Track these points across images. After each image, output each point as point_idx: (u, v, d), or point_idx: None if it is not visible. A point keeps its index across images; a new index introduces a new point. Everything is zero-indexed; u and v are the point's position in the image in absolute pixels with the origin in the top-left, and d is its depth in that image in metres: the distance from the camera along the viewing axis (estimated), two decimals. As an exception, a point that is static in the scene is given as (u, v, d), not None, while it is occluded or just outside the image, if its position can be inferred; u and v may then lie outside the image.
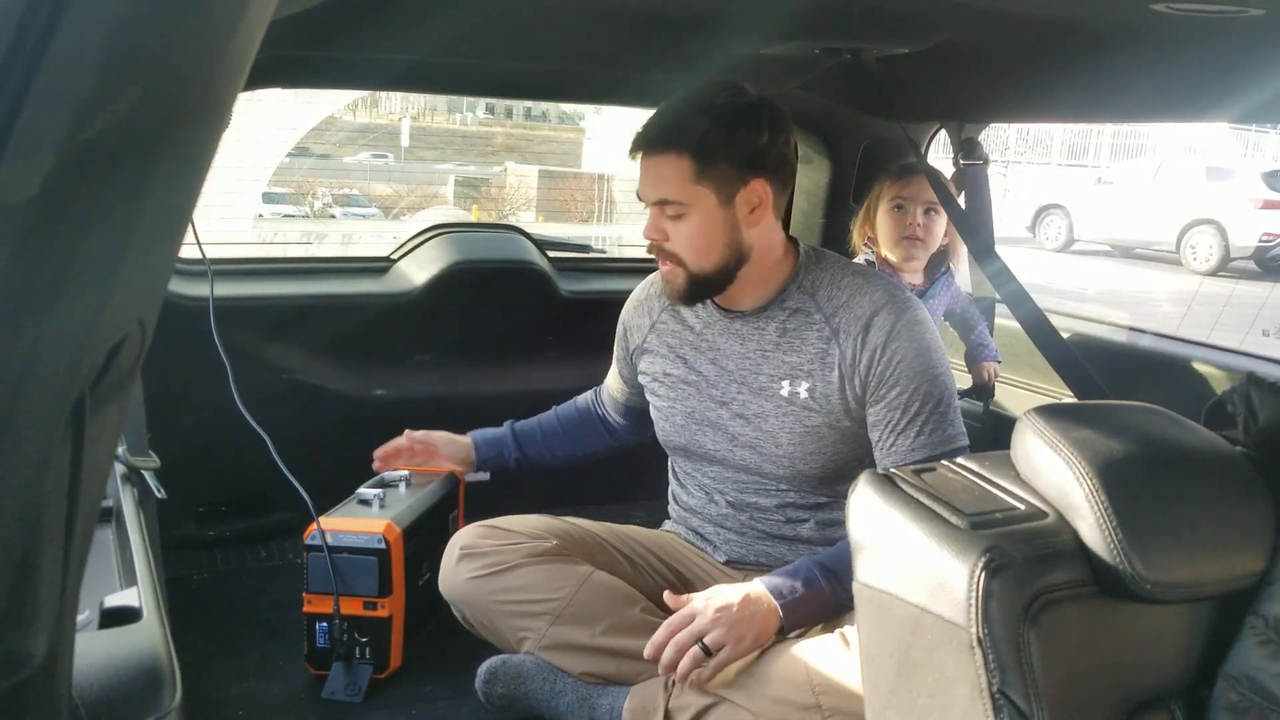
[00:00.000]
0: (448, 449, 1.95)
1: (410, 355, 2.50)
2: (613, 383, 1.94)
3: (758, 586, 1.49)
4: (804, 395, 1.58)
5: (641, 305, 1.81)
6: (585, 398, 2.01)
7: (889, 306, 1.55)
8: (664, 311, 1.75)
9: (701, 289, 1.59)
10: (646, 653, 1.45)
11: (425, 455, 1.95)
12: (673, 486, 1.83)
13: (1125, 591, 0.81)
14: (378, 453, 1.95)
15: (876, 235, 2.22)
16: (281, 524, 2.33)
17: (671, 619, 1.46)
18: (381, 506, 1.81)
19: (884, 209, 2.19)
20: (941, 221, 2.19)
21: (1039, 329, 2.19)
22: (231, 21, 0.48)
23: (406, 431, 1.95)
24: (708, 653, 1.42)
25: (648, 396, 1.78)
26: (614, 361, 1.92)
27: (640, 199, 1.59)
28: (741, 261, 1.57)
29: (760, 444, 1.62)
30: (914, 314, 1.57)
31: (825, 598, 1.49)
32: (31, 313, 0.45)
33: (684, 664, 1.42)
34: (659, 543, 1.78)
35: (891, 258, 2.19)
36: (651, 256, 1.63)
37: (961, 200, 2.33)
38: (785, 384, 1.59)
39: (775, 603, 1.47)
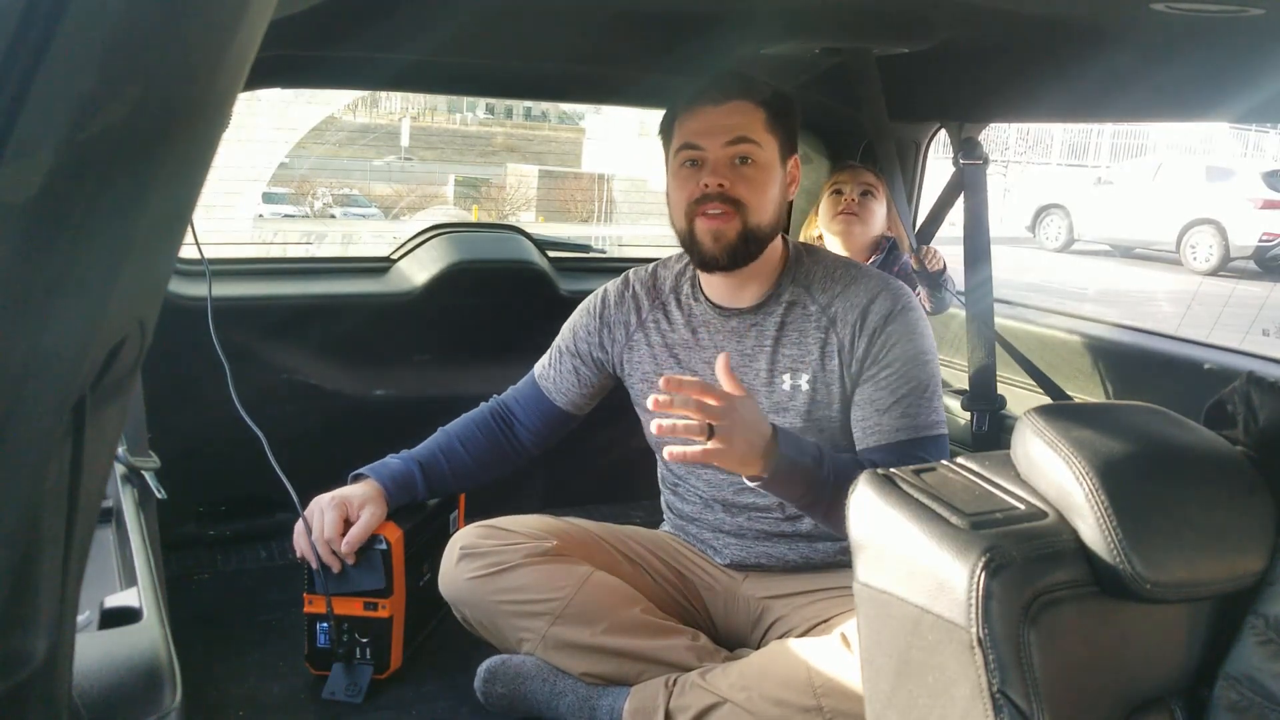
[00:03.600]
0: (360, 500, 1.70)
1: (410, 355, 2.50)
2: (557, 383, 1.81)
3: (776, 434, 1.41)
4: (805, 387, 1.59)
5: (626, 301, 1.75)
6: (483, 418, 1.83)
7: (885, 293, 1.59)
8: (654, 310, 1.73)
9: (748, 246, 1.56)
10: (662, 384, 1.34)
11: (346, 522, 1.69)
12: (666, 496, 1.82)
13: (1125, 591, 0.81)
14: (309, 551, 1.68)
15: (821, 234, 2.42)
16: (281, 524, 2.32)
17: (713, 389, 1.35)
18: None
19: (825, 197, 2.41)
20: (880, 206, 2.39)
21: (1034, 330, 2.19)
22: (231, 21, 0.48)
23: (315, 500, 1.70)
24: (708, 435, 1.34)
25: (633, 394, 1.76)
26: (560, 358, 1.81)
27: (697, 149, 1.56)
28: (775, 232, 1.61)
29: None
30: (909, 301, 1.60)
31: (812, 475, 1.44)
32: (32, 313, 0.45)
33: (681, 426, 1.34)
34: (658, 543, 1.78)
35: (830, 232, 2.38)
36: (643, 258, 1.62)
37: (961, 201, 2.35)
38: (786, 377, 1.60)
39: (775, 450, 1.40)
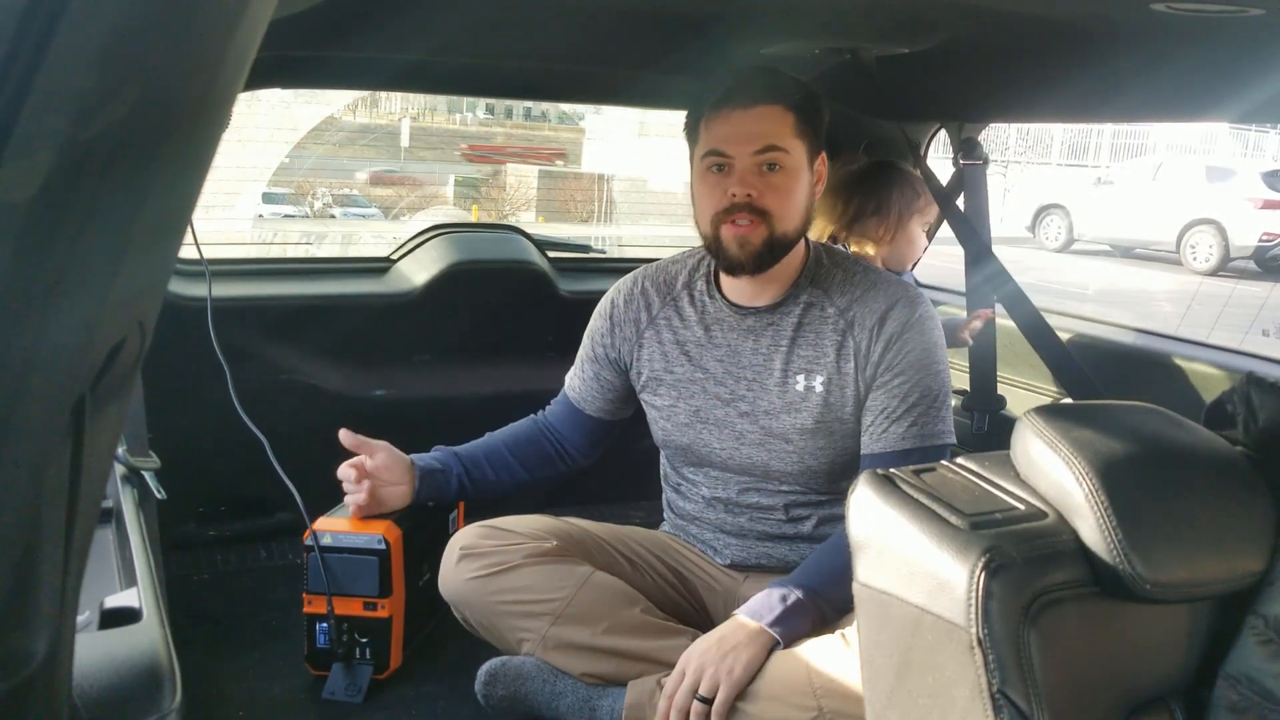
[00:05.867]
0: (388, 462, 1.75)
1: (410, 355, 2.50)
2: (583, 392, 1.82)
3: (736, 617, 1.51)
4: (819, 389, 1.59)
5: (635, 299, 1.75)
6: (526, 424, 1.87)
7: (904, 301, 1.59)
8: (665, 307, 1.72)
9: (773, 252, 1.57)
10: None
11: (364, 472, 1.75)
12: (668, 494, 1.82)
13: (1125, 591, 0.81)
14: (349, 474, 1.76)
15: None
16: (282, 524, 2.33)
17: (665, 686, 1.49)
18: None
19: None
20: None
21: (1035, 330, 2.19)
22: (231, 21, 0.48)
23: (343, 431, 1.75)
24: (707, 702, 1.44)
25: (643, 395, 1.76)
26: (583, 366, 1.82)
27: (724, 156, 1.54)
28: (801, 235, 1.60)
29: (769, 442, 1.62)
30: (926, 310, 1.61)
31: (808, 606, 1.50)
32: (31, 313, 0.45)
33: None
34: (659, 543, 1.78)
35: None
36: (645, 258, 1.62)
37: (961, 201, 2.34)
38: (801, 378, 1.60)
39: (757, 624, 1.48)
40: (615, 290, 1.80)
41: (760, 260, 1.56)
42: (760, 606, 1.50)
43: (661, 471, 1.83)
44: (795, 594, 1.50)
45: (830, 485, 1.65)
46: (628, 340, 1.75)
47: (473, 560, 1.65)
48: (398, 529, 1.74)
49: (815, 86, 1.62)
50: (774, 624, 1.47)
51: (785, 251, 1.58)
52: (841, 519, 1.63)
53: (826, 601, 1.50)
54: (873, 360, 1.57)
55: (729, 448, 1.65)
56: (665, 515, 1.84)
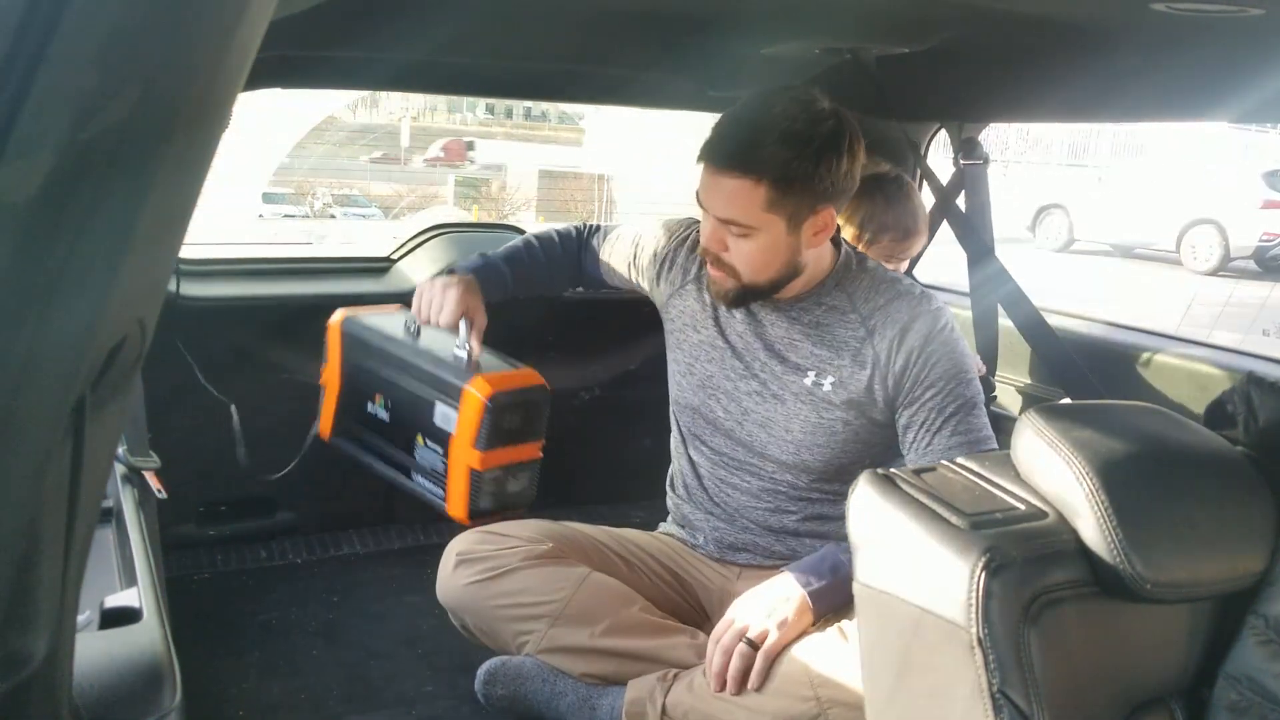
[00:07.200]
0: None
1: None
2: (605, 265, 1.90)
3: (783, 576, 1.53)
4: (827, 388, 1.60)
5: (696, 255, 1.74)
6: (564, 235, 1.95)
7: (926, 314, 1.59)
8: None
9: (750, 297, 1.61)
10: (708, 676, 1.49)
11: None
12: (672, 467, 1.83)
13: (1125, 591, 0.81)
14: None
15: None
16: (282, 524, 2.33)
17: (714, 632, 1.51)
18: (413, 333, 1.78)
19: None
20: None
21: (1036, 330, 2.19)
22: (231, 21, 0.48)
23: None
24: (754, 646, 1.47)
25: (669, 339, 1.79)
26: (619, 248, 1.87)
27: (700, 204, 1.56)
28: (794, 276, 1.60)
29: (771, 425, 1.63)
30: (948, 320, 1.61)
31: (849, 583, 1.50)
32: (32, 312, 0.45)
33: (734, 664, 1.46)
34: (655, 545, 1.78)
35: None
36: None
37: (961, 200, 2.34)
38: (811, 374, 1.61)
39: (803, 590, 1.50)
40: (690, 231, 1.78)
41: (735, 302, 1.61)
42: (809, 569, 1.53)
43: (672, 444, 1.84)
44: (844, 564, 1.50)
45: (822, 484, 1.65)
46: (672, 284, 1.77)
47: (470, 566, 1.65)
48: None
49: (815, 141, 1.50)
50: (815, 595, 1.50)
51: (768, 292, 1.60)
52: (829, 519, 1.65)
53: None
54: (894, 371, 1.57)
55: (734, 419, 1.67)
56: (667, 498, 1.84)
